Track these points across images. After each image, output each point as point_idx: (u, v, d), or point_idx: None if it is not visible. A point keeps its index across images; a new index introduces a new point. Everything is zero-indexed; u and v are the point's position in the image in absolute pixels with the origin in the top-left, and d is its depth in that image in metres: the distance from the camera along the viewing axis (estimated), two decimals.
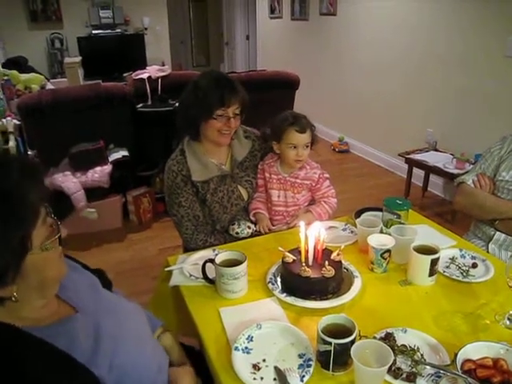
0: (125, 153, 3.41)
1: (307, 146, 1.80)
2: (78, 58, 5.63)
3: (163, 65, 6.77)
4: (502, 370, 0.98)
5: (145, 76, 3.50)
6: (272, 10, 6.91)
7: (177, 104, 3.41)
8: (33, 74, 5.01)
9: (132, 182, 3.61)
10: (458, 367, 0.98)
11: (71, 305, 0.99)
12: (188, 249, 1.83)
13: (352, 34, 5.06)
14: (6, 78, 4.41)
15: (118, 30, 7.31)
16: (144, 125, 3.52)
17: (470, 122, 3.67)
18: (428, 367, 1.04)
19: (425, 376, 1.02)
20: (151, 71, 3.54)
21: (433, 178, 3.98)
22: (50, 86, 4.78)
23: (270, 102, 3.63)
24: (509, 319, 1.21)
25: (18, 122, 3.48)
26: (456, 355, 1.00)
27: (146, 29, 7.38)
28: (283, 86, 4.09)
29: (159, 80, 3.54)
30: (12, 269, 0.79)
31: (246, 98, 1.79)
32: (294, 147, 1.79)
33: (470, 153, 3.39)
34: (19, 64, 5.96)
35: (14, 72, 4.69)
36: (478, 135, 3.49)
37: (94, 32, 7.20)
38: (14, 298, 0.82)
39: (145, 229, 3.57)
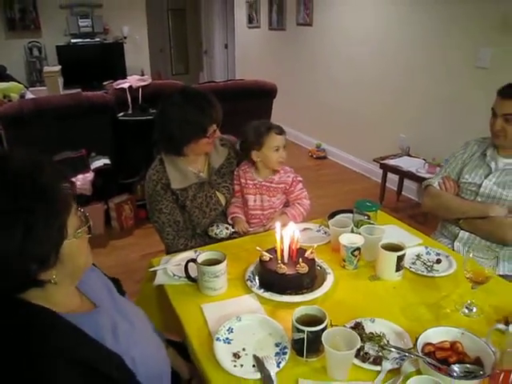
0: (106, 161, 3.46)
1: (285, 147, 1.92)
2: (58, 67, 5.62)
3: (142, 74, 6.82)
4: (458, 351, 1.09)
5: (126, 85, 3.57)
6: (250, 20, 7.04)
7: None
8: (12, 83, 5.00)
9: (114, 189, 3.66)
10: (419, 350, 1.08)
11: (91, 300, 1.07)
12: (170, 253, 1.91)
13: (327, 44, 5.22)
14: None
15: (98, 39, 7.34)
16: (125, 133, 3.58)
17: (441, 129, 3.83)
18: (393, 351, 1.14)
19: (390, 359, 1.12)
20: (132, 81, 3.61)
21: (406, 182, 4.13)
22: (29, 95, 4.78)
23: (249, 111, 3.72)
24: (467, 308, 1.32)
25: None
26: (417, 339, 1.10)
27: (125, 38, 7.43)
28: (261, 95, 4.20)
29: (140, 89, 3.61)
30: (53, 254, 0.88)
31: (221, 107, 1.90)
32: (277, 149, 1.90)
33: (441, 157, 3.53)
34: None
35: None
36: (448, 141, 3.63)
37: (72, 41, 7.21)
38: (53, 281, 0.90)
39: (127, 235, 3.62)
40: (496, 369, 0.96)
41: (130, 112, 3.60)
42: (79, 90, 6.14)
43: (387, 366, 1.10)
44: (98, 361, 0.91)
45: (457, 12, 3.55)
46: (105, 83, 6.86)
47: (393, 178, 4.13)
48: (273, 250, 1.50)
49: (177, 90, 1.95)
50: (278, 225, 1.48)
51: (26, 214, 0.83)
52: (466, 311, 1.31)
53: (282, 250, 1.45)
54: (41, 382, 0.83)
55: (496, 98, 1.83)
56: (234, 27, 7.77)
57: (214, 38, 8.78)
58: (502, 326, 1.12)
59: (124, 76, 6.98)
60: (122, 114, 3.55)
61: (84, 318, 0.98)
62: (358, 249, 1.53)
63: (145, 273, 1.67)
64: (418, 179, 3.61)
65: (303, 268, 1.40)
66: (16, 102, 3.66)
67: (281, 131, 1.92)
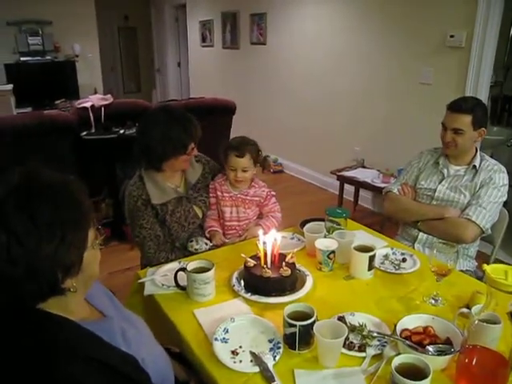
0: None
1: (245, 170, 2.03)
2: (10, 86, 5.52)
3: (95, 92, 6.80)
4: (430, 334, 1.24)
5: (88, 105, 3.59)
6: (203, 39, 7.19)
7: (121, 131, 3.54)
8: None
9: None
10: (398, 335, 1.22)
11: (99, 310, 1.12)
12: (151, 266, 1.97)
13: (281, 62, 5.45)
14: None
15: (48, 57, 7.21)
16: (88, 152, 3.58)
17: (393, 141, 4.11)
18: (375, 340, 1.27)
19: (373, 346, 1.26)
20: (94, 100, 3.63)
21: (362, 192, 4.37)
22: None
23: (209, 128, 3.84)
24: (433, 299, 1.48)
25: None
26: (395, 326, 1.25)
27: (77, 56, 7.36)
28: (221, 112, 4.32)
29: (102, 108, 3.64)
30: (78, 262, 0.95)
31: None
32: (234, 169, 2.02)
33: (394, 168, 3.80)
34: None
35: None
36: (399, 152, 3.90)
37: (22, 59, 7.06)
38: (72, 289, 0.96)
39: None
40: (464, 345, 1.11)
41: (92, 131, 3.61)
42: (29, 109, 6.04)
43: (371, 351, 1.23)
44: (117, 362, 0.97)
45: (401, 35, 3.86)
46: (57, 102, 6.82)
47: (348, 189, 4.36)
48: (255, 257, 1.61)
49: (155, 108, 2.05)
50: (260, 233, 1.60)
51: (63, 224, 0.90)
52: (433, 301, 1.48)
53: (266, 256, 1.56)
54: None
55: (446, 112, 2.05)
56: (187, 46, 7.89)
57: (167, 56, 8.86)
58: (465, 310, 1.28)
59: (77, 95, 6.94)
60: (85, 133, 3.56)
61: (97, 325, 1.03)
62: (333, 252, 1.67)
63: (114, 290, 1.71)
64: (374, 189, 3.84)
65: (286, 271, 1.52)
66: None
67: (241, 154, 1.99)
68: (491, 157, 2.16)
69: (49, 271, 0.90)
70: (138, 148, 1.97)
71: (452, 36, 3.41)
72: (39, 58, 7.16)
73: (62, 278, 0.93)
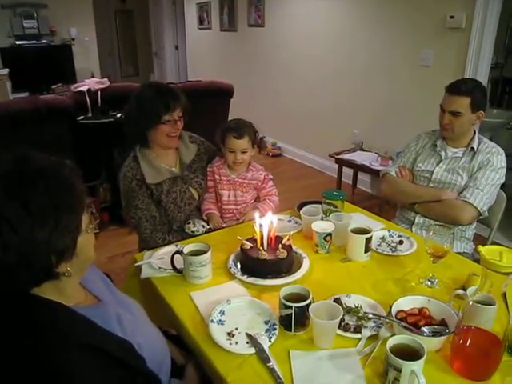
0: None
1: (244, 152, 2.02)
2: (5, 70, 5.47)
3: (92, 76, 6.72)
4: (426, 315, 1.25)
5: (84, 88, 3.56)
6: (201, 21, 7.11)
7: (118, 115, 3.52)
8: None
9: None
10: (393, 316, 1.22)
11: (94, 295, 1.12)
12: (149, 249, 1.97)
13: (280, 44, 5.39)
14: None
15: (44, 41, 7.14)
16: (85, 136, 3.57)
17: (391, 123, 4.08)
18: (370, 321, 1.28)
19: (368, 327, 1.26)
20: (90, 84, 3.60)
21: (360, 175, 4.36)
22: None
23: (207, 111, 3.82)
24: (429, 281, 1.49)
25: None
26: (391, 307, 1.25)
27: (73, 39, 7.28)
28: (218, 96, 4.29)
29: (99, 92, 3.61)
30: (71, 247, 0.94)
31: (186, 102, 2.00)
32: (233, 151, 2.01)
33: (392, 151, 3.78)
34: None
35: None
36: (398, 135, 3.87)
37: (17, 42, 6.98)
38: (67, 274, 0.96)
39: None
40: (459, 326, 1.12)
41: (89, 115, 3.59)
42: (26, 93, 5.98)
43: (366, 333, 1.24)
44: (113, 348, 0.97)
45: (400, 16, 3.80)
46: (54, 86, 6.76)
47: (347, 172, 4.35)
48: (252, 240, 1.61)
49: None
50: (257, 215, 1.59)
51: (56, 209, 0.89)
52: (429, 283, 1.48)
53: (262, 238, 1.56)
54: (61, 373, 0.88)
55: (444, 95, 2.03)
56: (185, 28, 7.80)
57: (164, 39, 8.77)
58: (461, 292, 1.28)
59: (74, 79, 6.88)
60: (81, 117, 3.54)
61: (92, 310, 1.03)
62: (330, 234, 1.67)
63: (113, 274, 1.71)
64: (372, 172, 3.83)
65: (283, 253, 1.52)
66: None
67: (240, 136, 1.99)
68: (490, 139, 2.14)
69: (42, 256, 0.90)
70: (125, 125, 1.98)
71: (452, 17, 3.36)
72: (35, 41, 7.08)
73: (56, 263, 0.93)
